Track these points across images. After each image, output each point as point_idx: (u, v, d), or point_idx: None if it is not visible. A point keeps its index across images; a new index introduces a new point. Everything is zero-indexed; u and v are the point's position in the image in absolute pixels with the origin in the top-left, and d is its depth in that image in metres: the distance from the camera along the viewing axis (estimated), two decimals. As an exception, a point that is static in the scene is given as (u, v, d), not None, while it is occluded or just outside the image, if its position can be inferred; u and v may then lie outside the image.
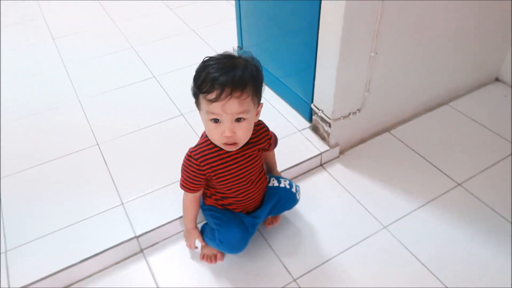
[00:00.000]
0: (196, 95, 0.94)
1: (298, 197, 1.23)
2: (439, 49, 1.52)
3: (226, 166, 1.05)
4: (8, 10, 2.63)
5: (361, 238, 1.25)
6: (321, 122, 1.49)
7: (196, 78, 0.92)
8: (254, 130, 1.07)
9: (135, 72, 1.96)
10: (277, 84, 1.71)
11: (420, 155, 1.52)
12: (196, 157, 1.03)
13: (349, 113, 1.45)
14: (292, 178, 1.44)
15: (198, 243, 1.19)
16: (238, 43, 1.91)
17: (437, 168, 1.46)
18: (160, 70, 1.95)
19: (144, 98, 1.79)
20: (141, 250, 1.25)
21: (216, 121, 0.92)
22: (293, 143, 1.52)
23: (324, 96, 1.41)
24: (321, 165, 1.50)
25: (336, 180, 1.45)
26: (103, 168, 1.45)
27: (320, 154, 1.47)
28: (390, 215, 1.31)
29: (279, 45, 1.60)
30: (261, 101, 1.00)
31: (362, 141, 1.59)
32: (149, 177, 1.39)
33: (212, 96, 0.88)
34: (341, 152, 1.55)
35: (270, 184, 1.21)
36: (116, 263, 1.21)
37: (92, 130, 1.62)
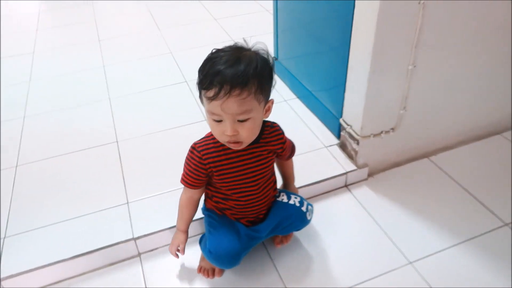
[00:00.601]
0: (199, 90, 0.87)
1: (308, 218, 1.10)
2: (494, 65, 1.34)
3: (230, 163, 0.97)
4: (63, 12, 2.78)
5: (380, 271, 1.09)
6: (349, 139, 1.35)
7: (200, 70, 0.86)
8: (266, 130, 0.99)
9: (168, 75, 1.95)
10: (308, 98, 1.61)
11: (463, 187, 1.33)
12: (199, 149, 0.96)
13: (381, 132, 1.30)
14: (312, 197, 1.32)
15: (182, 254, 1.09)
16: (274, 54, 1.85)
17: (481, 203, 1.27)
18: (193, 76, 1.91)
19: (172, 101, 1.76)
20: (139, 254, 1.17)
21: (218, 120, 0.86)
22: (317, 159, 1.40)
23: (354, 111, 1.29)
24: (346, 186, 1.36)
25: (360, 203, 1.30)
26: (117, 165, 1.41)
27: (346, 173, 1.33)
28: (419, 250, 1.14)
29: (312, 57, 1.51)
30: (271, 98, 0.92)
31: (396, 165, 1.43)
32: (159, 179, 1.33)
33: (210, 93, 0.82)
34: (370, 175, 1.40)
35: (279, 199, 1.10)
36: (111, 264, 1.15)
37: (114, 127, 1.60)
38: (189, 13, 2.65)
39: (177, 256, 1.08)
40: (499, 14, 1.22)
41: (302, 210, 1.08)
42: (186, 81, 1.88)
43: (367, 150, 1.33)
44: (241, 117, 0.84)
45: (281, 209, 1.07)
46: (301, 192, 1.23)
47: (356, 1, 1.11)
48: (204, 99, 0.85)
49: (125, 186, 1.32)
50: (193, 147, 0.97)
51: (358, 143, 1.31)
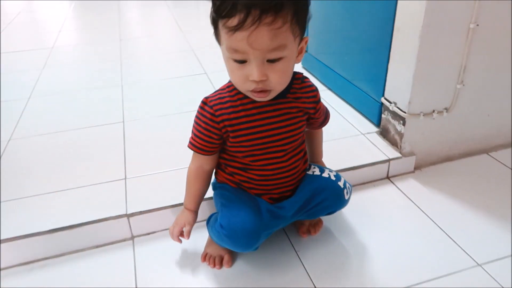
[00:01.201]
0: (214, 23, 0.68)
1: (346, 196, 0.86)
2: None
3: (250, 122, 0.76)
4: (90, 14, 2.77)
5: (440, 273, 0.83)
6: (392, 120, 1.13)
7: (214, 0, 0.66)
8: (296, 82, 0.79)
9: (188, 67, 1.81)
10: (343, 86, 1.42)
11: (535, 185, 1.07)
12: (211, 103, 0.77)
13: (433, 111, 1.08)
14: (346, 187, 1.08)
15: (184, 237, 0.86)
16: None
17: (562, 203, 1.01)
18: (215, 68, 1.77)
19: (188, 89, 1.60)
20: (132, 237, 0.95)
21: (241, 61, 0.66)
22: (354, 145, 1.18)
23: (399, 83, 1.08)
24: (388, 178, 1.13)
25: (407, 196, 1.05)
26: (120, 143, 1.23)
27: (388, 160, 1.10)
28: (487, 252, 0.88)
29: (348, 34, 1.33)
30: (306, 35, 0.72)
31: (448, 159, 1.19)
32: (161, 158, 1.14)
33: (233, 21, 0.62)
34: (417, 167, 1.16)
35: (309, 172, 0.87)
36: (97, 246, 0.93)
37: (123, 109, 1.44)
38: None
39: (179, 240, 0.86)
40: None
41: (338, 185, 0.84)
42: (205, 73, 1.73)
43: (414, 134, 1.10)
44: (273, 55, 0.65)
45: (313, 182, 0.84)
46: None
47: None
48: (223, 32, 0.65)
49: (125, 162, 1.13)
50: (204, 102, 0.78)
51: (404, 123, 1.08)
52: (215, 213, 0.89)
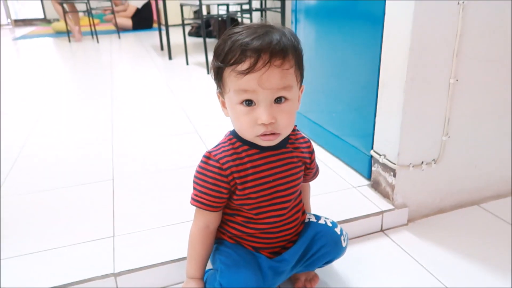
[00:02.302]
0: (219, 73, 0.70)
1: (344, 244, 0.85)
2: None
3: (257, 172, 0.76)
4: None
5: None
6: (383, 173, 1.15)
7: (218, 51, 0.70)
8: (292, 133, 0.81)
9: (178, 124, 1.84)
10: (332, 142, 1.45)
11: (529, 235, 1.07)
12: (217, 157, 0.75)
13: (422, 162, 1.10)
14: (341, 241, 1.06)
15: None
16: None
17: (558, 253, 1.00)
18: (203, 126, 1.79)
19: (178, 147, 1.60)
20: (119, 299, 0.90)
21: (248, 103, 0.68)
22: (345, 199, 1.17)
23: (387, 136, 1.11)
24: (382, 231, 1.11)
25: (402, 249, 1.03)
26: (109, 200, 1.20)
27: (381, 212, 1.10)
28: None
29: (336, 91, 1.39)
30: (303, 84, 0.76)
31: (440, 211, 1.19)
32: (150, 215, 1.11)
33: (243, 66, 0.65)
34: (410, 220, 1.15)
35: (306, 219, 0.86)
36: (80, 309, 0.87)
37: (113, 165, 1.43)
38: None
39: None
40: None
41: (335, 232, 0.83)
42: (196, 132, 1.75)
43: (406, 186, 1.11)
44: (282, 94, 0.68)
45: (310, 229, 0.83)
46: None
47: (386, 2, 1.02)
48: (232, 79, 0.67)
49: (113, 219, 1.09)
50: (207, 157, 0.76)
51: (394, 175, 1.10)
52: (210, 269, 0.85)
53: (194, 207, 0.78)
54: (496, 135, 1.17)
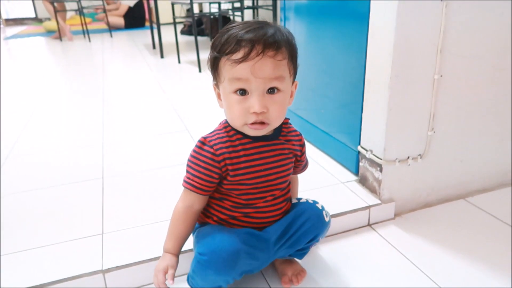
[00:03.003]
0: (214, 63, 0.74)
1: (326, 219, 0.87)
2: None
3: (249, 161, 0.79)
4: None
5: (427, 319, 0.81)
6: (370, 168, 1.16)
7: (215, 43, 0.74)
8: (285, 126, 0.84)
9: (169, 123, 1.84)
10: (321, 138, 1.46)
11: (513, 228, 1.09)
12: (211, 143, 0.78)
13: (408, 157, 1.12)
14: (330, 236, 1.07)
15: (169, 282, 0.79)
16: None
17: (541, 245, 1.02)
18: (194, 125, 1.80)
19: (169, 145, 1.61)
20: (107, 296, 0.91)
21: (242, 93, 0.71)
22: (333, 194, 1.19)
23: (373, 132, 1.12)
24: (369, 225, 1.13)
25: (389, 243, 1.05)
26: (99, 199, 1.20)
27: (368, 207, 1.11)
28: (473, 296, 0.87)
29: (323, 90, 1.40)
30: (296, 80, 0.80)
31: (426, 205, 1.21)
32: (139, 213, 1.12)
33: (238, 55, 0.69)
34: (397, 214, 1.16)
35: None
36: (69, 306, 0.88)
37: (103, 163, 1.43)
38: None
39: (165, 286, 0.79)
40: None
41: (317, 207, 0.87)
42: (187, 130, 1.76)
43: (392, 181, 1.13)
44: (274, 84, 0.71)
45: (293, 207, 0.87)
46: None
47: (371, 0, 1.04)
48: (226, 68, 0.71)
49: (102, 217, 1.10)
50: (202, 142, 0.79)
51: (381, 170, 1.11)
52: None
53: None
54: (481, 130, 1.19)
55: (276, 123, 0.76)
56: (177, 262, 0.82)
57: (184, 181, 0.80)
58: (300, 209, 0.85)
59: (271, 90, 0.71)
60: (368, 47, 1.09)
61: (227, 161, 0.77)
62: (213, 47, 0.74)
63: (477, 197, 1.24)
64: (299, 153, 0.86)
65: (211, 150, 0.77)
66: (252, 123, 0.73)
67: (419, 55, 1.02)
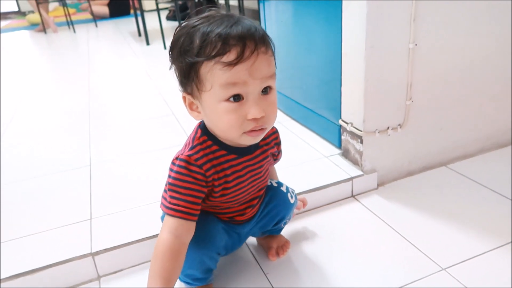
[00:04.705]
0: (192, 71, 0.64)
1: (291, 200, 0.89)
2: None
3: (239, 177, 0.75)
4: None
5: (408, 280, 0.84)
6: (351, 140, 1.18)
7: (184, 47, 0.63)
8: None
9: (155, 107, 1.85)
10: (305, 114, 1.47)
11: (495, 191, 1.11)
12: (199, 162, 0.69)
13: (388, 128, 1.13)
14: (313, 209, 1.10)
15: None
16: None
17: (519, 205, 1.05)
18: (180, 109, 1.80)
19: (156, 129, 1.62)
20: (98, 277, 0.93)
21: (236, 99, 0.63)
22: (317, 168, 1.21)
23: (353, 105, 1.13)
24: (353, 196, 1.15)
25: (372, 212, 1.07)
26: (87, 184, 1.22)
27: (351, 178, 1.13)
28: (451, 256, 0.90)
29: (304, 66, 1.40)
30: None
31: (409, 174, 1.23)
32: (126, 197, 1.13)
33: (230, 57, 0.60)
34: (380, 184, 1.19)
35: None
36: (64, 289, 0.90)
37: (90, 151, 1.44)
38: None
39: None
40: (500, -5, 1.13)
41: (282, 191, 0.88)
42: (173, 114, 1.76)
43: (373, 152, 1.15)
44: (269, 83, 0.64)
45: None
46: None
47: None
48: (216, 73, 0.61)
49: (90, 203, 1.12)
50: (187, 161, 0.68)
51: (361, 142, 1.13)
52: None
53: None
54: (459, 97, 1.21)
55: (271, 126, 0.71)
56: None
57: (168, 207, 0.69)
58: (267, 197, 0.86)
59: (265, 90, 0.65)
60: (343, 20, 1.09)
61: (215, 182, 0.71)
62: (182, 53, 0.63)
63: (458, 164, 1.27)
64: (276, 152, 0.84)
65: (201, 171, 0.69)
66: (251, 131, 0.65)
67: (393, 24, 1.02)
